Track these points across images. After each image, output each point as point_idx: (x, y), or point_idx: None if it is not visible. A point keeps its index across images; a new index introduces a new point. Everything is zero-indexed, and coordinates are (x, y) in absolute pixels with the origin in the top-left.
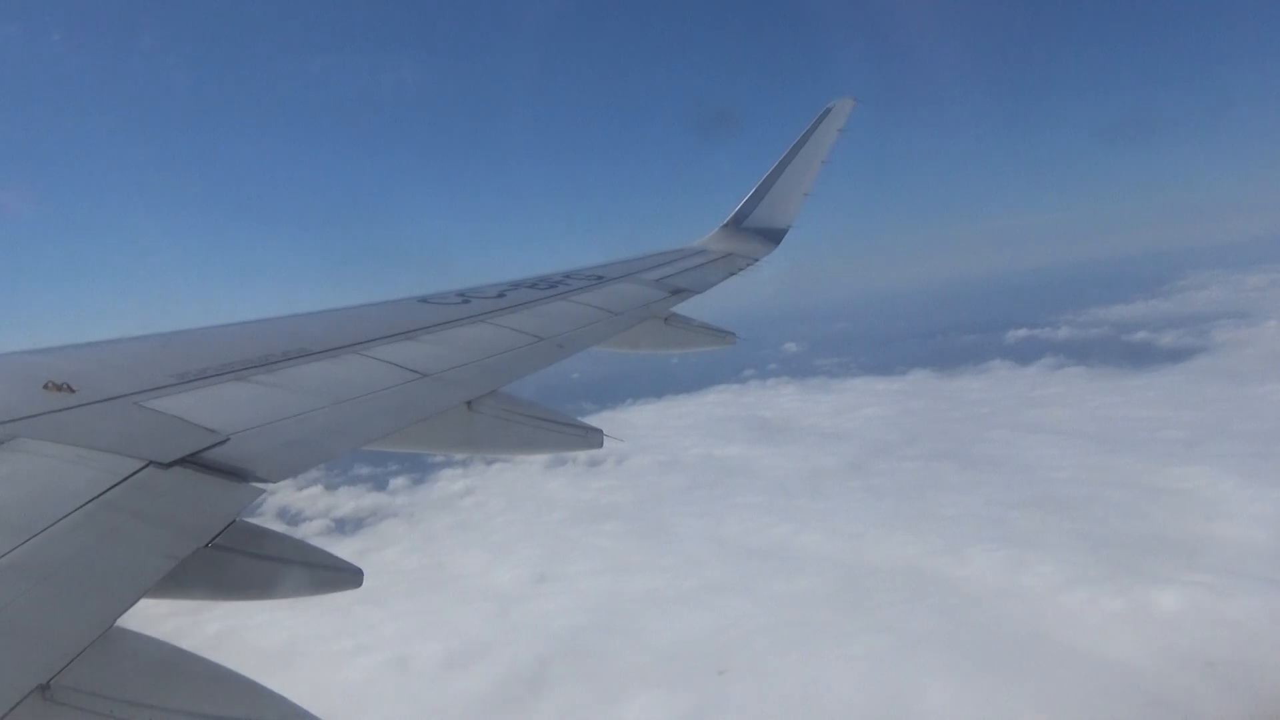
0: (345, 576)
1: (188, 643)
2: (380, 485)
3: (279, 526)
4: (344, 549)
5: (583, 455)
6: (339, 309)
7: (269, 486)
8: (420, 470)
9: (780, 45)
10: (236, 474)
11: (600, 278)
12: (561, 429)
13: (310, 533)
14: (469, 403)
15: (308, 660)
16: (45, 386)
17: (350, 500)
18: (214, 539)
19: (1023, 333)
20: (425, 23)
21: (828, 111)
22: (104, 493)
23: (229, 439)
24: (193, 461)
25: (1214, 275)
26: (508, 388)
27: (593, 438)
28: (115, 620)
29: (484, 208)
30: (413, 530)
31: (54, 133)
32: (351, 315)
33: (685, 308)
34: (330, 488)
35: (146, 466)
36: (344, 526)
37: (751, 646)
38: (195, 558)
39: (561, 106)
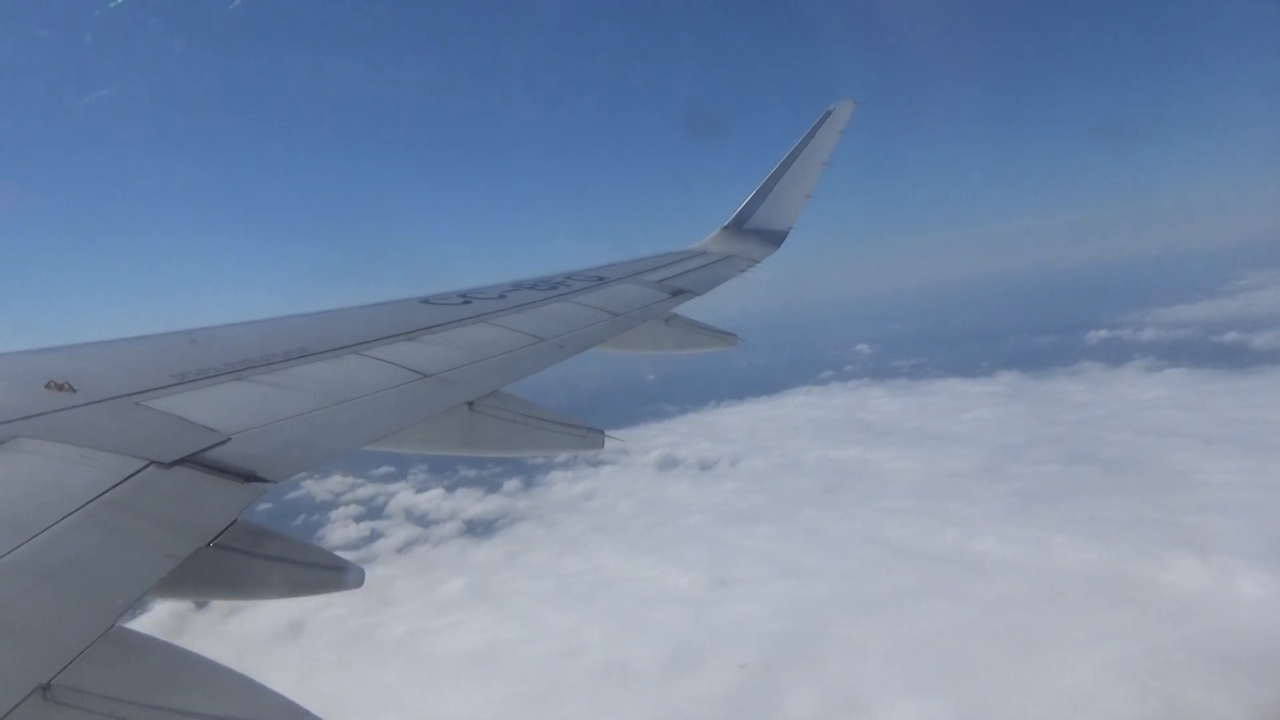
0: (348, 576)
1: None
2: (494, 488)
3: (408, 529)
4: (486, 552)
5: (692, 457)
6: (340, 309)
7: (270, 486)
8: (527, 473)
9: (782, 47)
10: (238, 474)
11: (601, 279)
12: (563, 429)
13: (445, 535)
14: (470, 403)
15: (513, 664)
16: (46, 386)
17: (472, 504)
18: (215, 539)
19: (1103, 334)
20: (425, 21)
21: (829, 114)
22: (105, 492)
23: (230, 439)
24: (194, 461)
25: (1272, 275)
26: (509, 387)
27: (593, 438)
28: (116, 620)
29: (486, 209)
30: (551, 534)
31: (55, 131)
32: (353, 315)
33: (686, 309)
34: (449, 490)
35: (148, 466)
36: (475, 529)
37: (987, 651)
38: (197, 557)
39: (561, 108)
